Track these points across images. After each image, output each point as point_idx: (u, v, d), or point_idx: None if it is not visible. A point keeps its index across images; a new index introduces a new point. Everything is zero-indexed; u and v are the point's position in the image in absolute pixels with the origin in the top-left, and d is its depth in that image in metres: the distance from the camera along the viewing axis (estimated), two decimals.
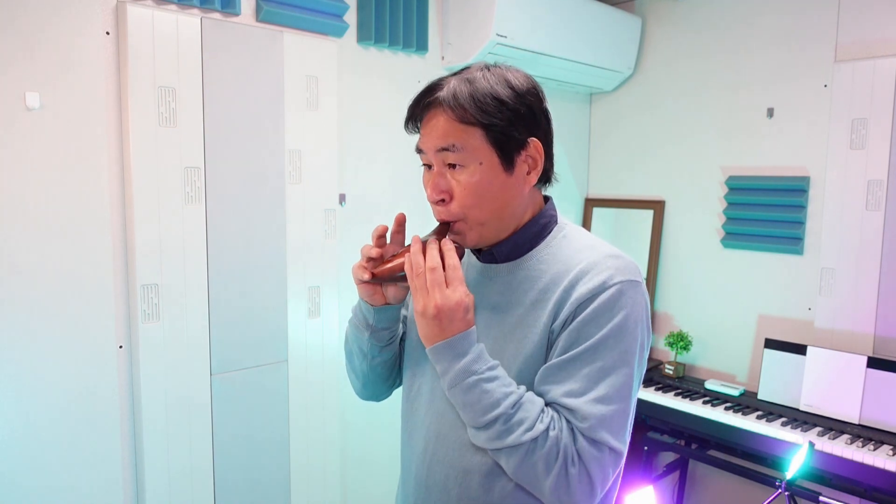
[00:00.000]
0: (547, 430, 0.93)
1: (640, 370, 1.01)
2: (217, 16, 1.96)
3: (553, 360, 0.97)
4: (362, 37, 2.34)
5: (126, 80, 1.77)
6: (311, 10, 2.14)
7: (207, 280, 1.96)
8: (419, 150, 1.05)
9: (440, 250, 0.99)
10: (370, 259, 1.06)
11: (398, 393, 1.24)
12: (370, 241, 1.08)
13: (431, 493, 1.05)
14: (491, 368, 0.97)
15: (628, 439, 1.04)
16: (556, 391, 0.96)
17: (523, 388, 0.98)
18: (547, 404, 0.97)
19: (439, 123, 1.00)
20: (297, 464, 2.23)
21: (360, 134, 2.39)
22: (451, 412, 1.03)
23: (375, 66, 2.41)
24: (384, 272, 1.04)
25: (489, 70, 1.02)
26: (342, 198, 2.34)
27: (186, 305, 1.92)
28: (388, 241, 1.09)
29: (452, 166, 1.01)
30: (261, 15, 2.04)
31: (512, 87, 1.00)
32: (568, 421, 0.94)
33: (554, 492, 0.93)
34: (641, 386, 2.72)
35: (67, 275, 1.73)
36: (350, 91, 2.34)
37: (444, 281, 0.97)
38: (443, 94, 1.00)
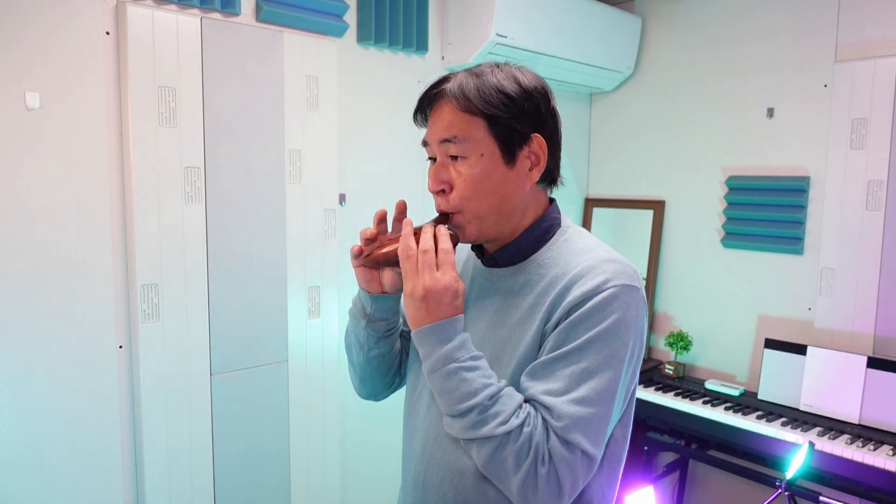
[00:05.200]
0: (521, 425, 0.92)
1: (629, 377, 0.99)
2: (217, 16, 1.96)
3: (539, 359, 0.97)
4: (362, 37, 2.34)
5: (126, 80, 1.77)
6: (311, 10, 2.14)
7: (207, 280, 1.96)
8: (425, 143, 1.07)
9: (434, 235, 1.00)
10: (366, 240, 1.07)
11: (399, 395, 1.24)
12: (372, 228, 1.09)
13: (429, 494, 1.05)
14: (474, 358, 0.96)
15: (626, 445, 1.03)
16: (537, 388, 0.95)
17: (504, 382, 0.97)
18: (526, 401, 0.95)
19: (444, 114, 1.01)
20: (297, 463, 2.23)
21: (360, 134, 2.38)
22: None
23: (375, 66, 2.41)
24: (378, 256, 1.05)
25: (499, 67, 1.03)
26: (342, 198, 2.34)
27: (186, 305, 1.92)
28: (390, 227, 1.10)
29: (454, 158, 1.02)
30: (261, 15, 2.05)
31: (519, 84, 1.01)
32: (544, 419, 0.93)
33: (521, 490, 0.91)
34: (641, 386, 2.76)
35: (67, 275, 1.73)
36: (350, 91, 2.33)
37: (434, 263, 0.97)
38: (449, 85, 1.02)
